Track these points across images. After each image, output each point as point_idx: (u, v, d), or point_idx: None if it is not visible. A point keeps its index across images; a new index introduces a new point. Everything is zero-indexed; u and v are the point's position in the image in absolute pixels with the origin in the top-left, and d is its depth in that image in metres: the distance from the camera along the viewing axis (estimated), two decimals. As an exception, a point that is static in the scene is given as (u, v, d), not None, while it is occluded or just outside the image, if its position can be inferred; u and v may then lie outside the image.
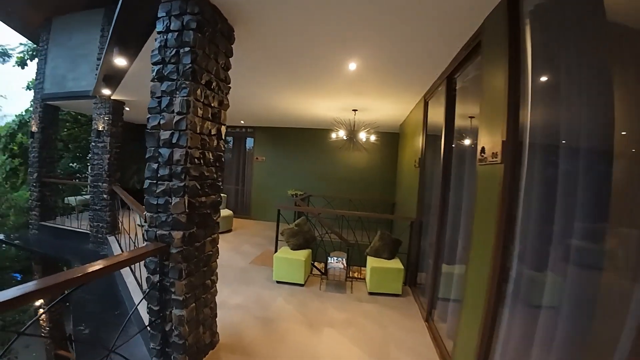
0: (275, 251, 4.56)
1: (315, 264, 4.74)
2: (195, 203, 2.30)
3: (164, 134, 2.24)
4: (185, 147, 2.18)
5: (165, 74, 2.26)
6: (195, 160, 2.28)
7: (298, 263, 4.17)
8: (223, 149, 2.67)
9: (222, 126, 2.64)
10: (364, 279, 4.55)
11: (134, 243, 4.46)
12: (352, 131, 5.54)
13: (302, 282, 4.23)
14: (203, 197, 2.42)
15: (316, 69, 3.80)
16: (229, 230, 7.43)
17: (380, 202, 7.64)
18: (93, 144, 6.48)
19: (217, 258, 2.80)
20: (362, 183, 8.30)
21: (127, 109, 7.26)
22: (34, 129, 7.23)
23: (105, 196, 6.32)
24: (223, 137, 2.66)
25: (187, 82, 2.19)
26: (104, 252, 6.13)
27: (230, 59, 2.69)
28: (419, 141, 4.65)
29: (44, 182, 7.28)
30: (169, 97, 2.25)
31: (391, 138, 7.55)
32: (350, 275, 4.62)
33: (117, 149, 6.49)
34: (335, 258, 4.34)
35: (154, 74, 2.32)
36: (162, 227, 2.28)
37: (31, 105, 7.21)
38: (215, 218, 2.65)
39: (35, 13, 6.86)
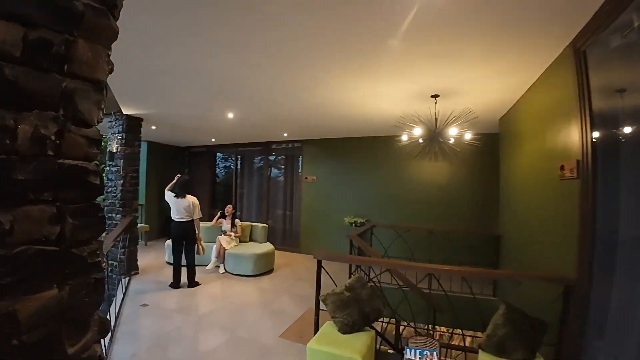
0: (315, 330, 2.73)
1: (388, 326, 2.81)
2: None
3: None
4: None
5: None
6: None
7: (350, 365, 2.28)
8: (96, 151, 0.95)
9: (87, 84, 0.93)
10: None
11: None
12: (434, 129, 3.56)
13: (359, 398, 2.31)
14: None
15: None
16: (270, 271, 5.79)
17: (477, 235, 5.37)
18: (107, 168, 5.45)
19: None
20: (449, 206, 6.08)
21: (154, 127, 6.24)
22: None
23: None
24: (95, 120, 0.96)
25: None
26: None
27: None
28: (568, 132, 2.53)
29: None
30: None
31: (486, 141, 5.27)
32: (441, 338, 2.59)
33: (133, 174, 5.36)
34: (418, 352, 2.36)
35: None
36: None
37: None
38: None
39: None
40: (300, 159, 7.64)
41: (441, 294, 3.31)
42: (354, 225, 6.54)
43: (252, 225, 6.49)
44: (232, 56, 3.03)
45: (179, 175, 4.90)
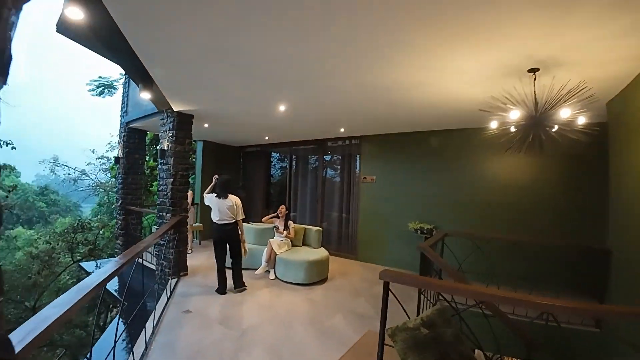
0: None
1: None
2: None
3: None
4: None
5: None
6: None
7: None
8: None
9: None
10: None
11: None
12: (536, 112, 2.70)
13: None
14: None
15: None
16: (323, 281, 5.23)
17: (575, 249, 4.26)
18: (159, 166, 5.36)
19: None
20: (536, 212, 4.98)
21: (206, 125, 6.09)
22: (119, 154, 6.76)
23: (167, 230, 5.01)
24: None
25: None
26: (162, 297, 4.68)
27: None
28: None
29: (128, 209, 6.67)
30: None
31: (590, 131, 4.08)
32: None
33: (183, 172, 5.18)
34: None
35: None
36: None
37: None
38: None
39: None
40: (358, 157, 6.99)
41: (537, 324, 2.47)
42: (419, 232, 5.74)
43: (305, 229, 6.00)
44: (283, 39, 2.56)
45: (217, 176, 4.64)
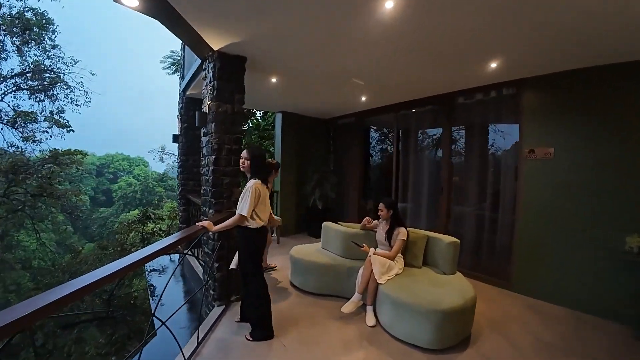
0: None
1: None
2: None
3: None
4: None
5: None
6: None
7: None
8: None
9: None
10: None
11: None
12: None
13: None
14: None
15: None
16: (465, 342, 2.75)
17: None
18: (201, 138, 3.67)
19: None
20: None
21: (274, 80, 4.18)
22: (178, 131, 5.41)
23: (210, 233, 3.29)
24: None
25: None
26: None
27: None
28: None
29: (188, 198, 5.34)
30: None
31: None
32: None
33: (231, 146, 3.35)
34: None
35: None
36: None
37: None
38: None
39: None
40: (519, 119, 4.16)
41: None
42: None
43: (428, 237, 3.59)
44: None
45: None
